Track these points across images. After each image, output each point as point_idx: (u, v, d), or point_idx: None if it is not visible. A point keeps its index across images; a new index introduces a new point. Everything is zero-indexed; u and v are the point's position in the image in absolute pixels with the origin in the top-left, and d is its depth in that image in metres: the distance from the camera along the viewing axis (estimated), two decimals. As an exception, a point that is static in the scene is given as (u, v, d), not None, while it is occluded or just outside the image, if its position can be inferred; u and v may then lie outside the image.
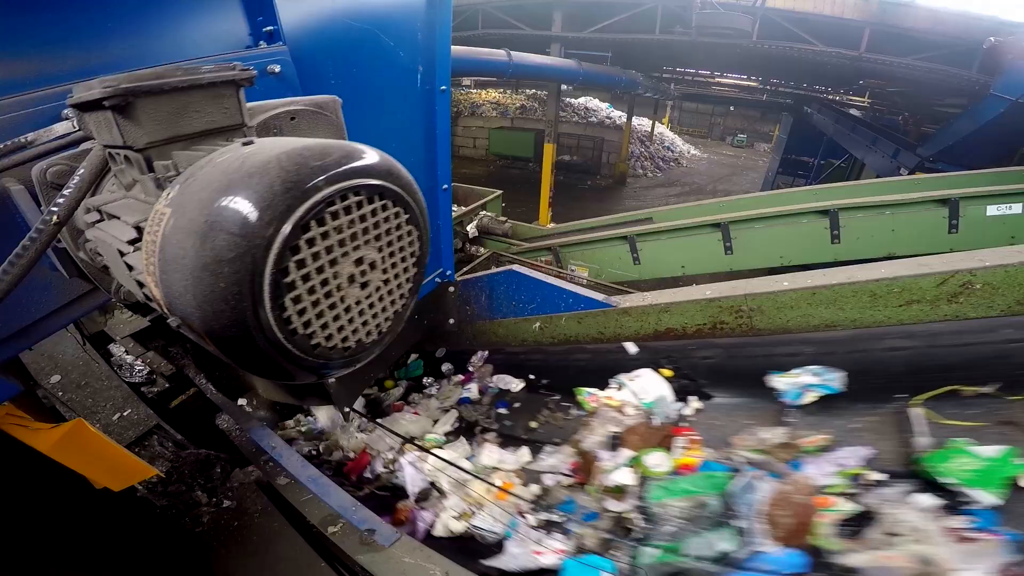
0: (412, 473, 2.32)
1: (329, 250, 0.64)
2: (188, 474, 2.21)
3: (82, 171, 0.84)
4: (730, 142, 26.19)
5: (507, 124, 20.65)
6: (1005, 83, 6.81)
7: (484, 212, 7.49)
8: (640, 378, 2.42)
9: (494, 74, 9.39)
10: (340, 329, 0.69)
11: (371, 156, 0.69)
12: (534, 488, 2.26)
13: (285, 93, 1.55)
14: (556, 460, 2.37)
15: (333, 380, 2.23)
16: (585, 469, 2.17)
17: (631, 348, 2.57)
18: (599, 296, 2.75)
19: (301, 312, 0.63)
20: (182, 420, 2.65)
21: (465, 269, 6.44)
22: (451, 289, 2.83)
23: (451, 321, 2.96)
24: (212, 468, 2.27)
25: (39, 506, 1.70)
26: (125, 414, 2.53)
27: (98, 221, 0.89)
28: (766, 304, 2.15)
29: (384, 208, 0.70)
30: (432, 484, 2.30)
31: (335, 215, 0.63)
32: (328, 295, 0.66)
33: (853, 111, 13.05)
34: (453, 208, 7.74)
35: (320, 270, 0.64)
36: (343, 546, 1.69)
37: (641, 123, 22.89)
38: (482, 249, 7.31)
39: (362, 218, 0.68)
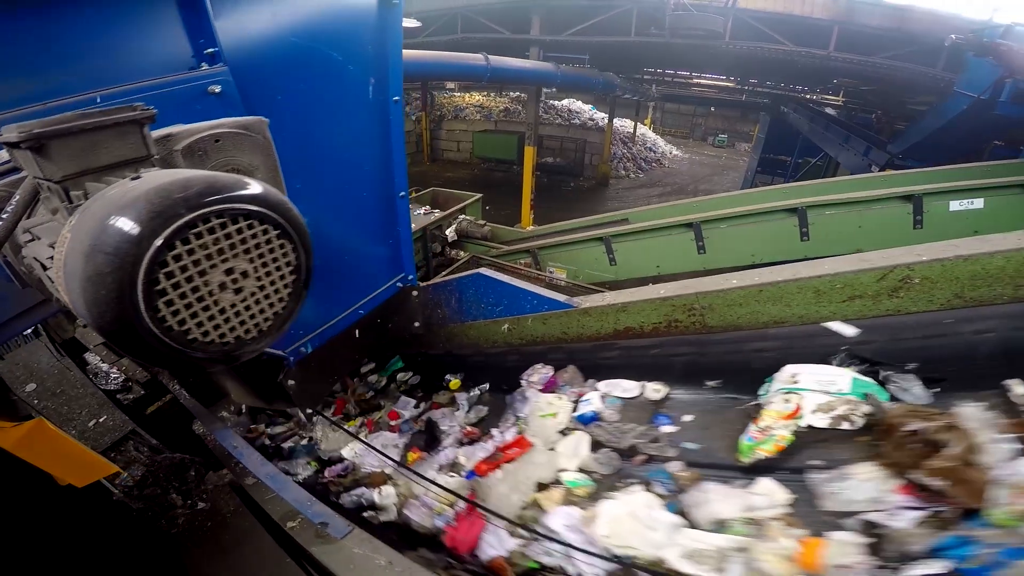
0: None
1: (196, 263, 0.78)
2: (163, 477, 2.25)
3: (17, 197, 0.98)
4: (711, 142, 26.48)
5: (491, 127, 20.72)
6: (968, 80, 6.98)
7: (463, 216, 7.49)
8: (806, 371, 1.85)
9: (472, 78, 9.43)
10: (216, 327, 0.83)
11: (236, 184, 0.82)
12: (844, 536, 1.40)
13: (227, 111, 1.58)
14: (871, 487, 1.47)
15: (293, 382, 2.24)
16: (964, 489, 1.33)
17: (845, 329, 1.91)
18: (561, 297, 2.77)
19: (175, 313, 0.77)
20: (159, 426, 2.68)
21: (445, 272, 6.45)
22: (414, 293, 2.83)
23: (416, 324, 2.96)
24: (187, 471, 2.32)
25: (20, 511, 1.80)
26: (101, 420, 2.56)
27: (30, 241, 1.05)
28: (716, 302, 2.18)
29: (250, 227, 0.83)
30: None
31: (199, 235, 0.77)
32: (200, 299, 0.80)
33: (829, 110, 13.27)
34: (434, 212, 7.75)
35: (189, 279, 0.78)
36: (300, 540, 1.73)
37: (624, 124, 23.03)
38: (462, 253, 7.32)
39: (227, 236, 0.80)
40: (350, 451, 2.71)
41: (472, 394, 2.97)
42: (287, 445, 2.84)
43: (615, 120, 22.11)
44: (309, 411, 2.57)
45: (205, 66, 1.60)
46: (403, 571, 1.52)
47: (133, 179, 0.82)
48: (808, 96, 13.98)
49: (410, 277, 2.75)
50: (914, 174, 5.68)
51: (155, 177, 0.79)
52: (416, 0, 14.31)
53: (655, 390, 2.30)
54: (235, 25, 1.70)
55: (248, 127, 1.26)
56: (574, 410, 2.34)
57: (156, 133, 1.10)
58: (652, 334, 2.44)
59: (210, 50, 1.60)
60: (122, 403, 2.80)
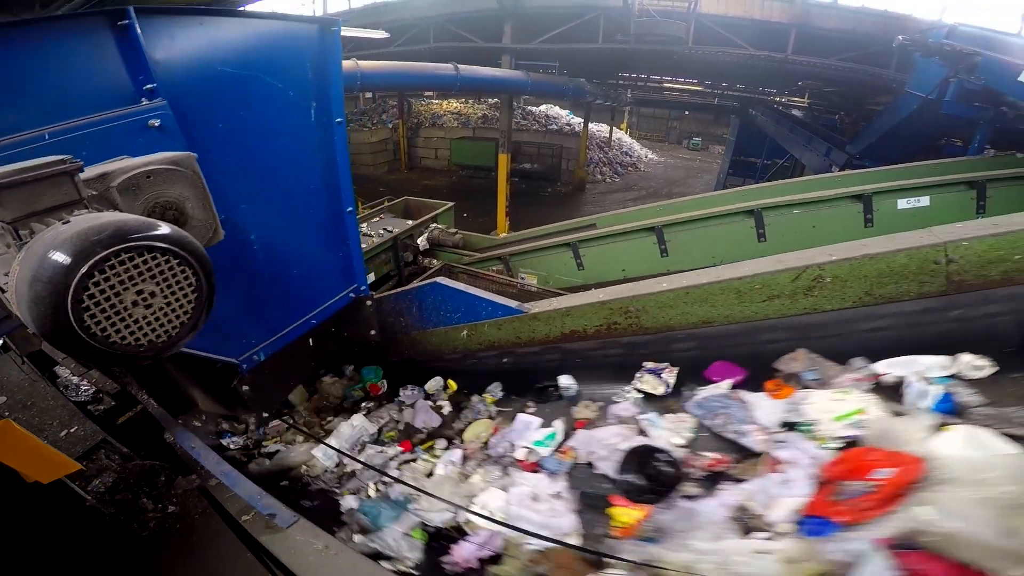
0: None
1: (112, 287, 1.01)
2: (134, 483, 2.32)
3: None
4: (686, 145, 26.97)
5: (469, 134, 20.82)
6: (917, 80, 7.25)
7: (435, 224, 7.55)
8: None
9: (442, 88, 9.54)
10: (132, 333, 1.07)
11: (143, 226, 1.04)
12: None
13: (168, 143, 1.68)
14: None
15: (247, 388, 2.33)
16: None
17: None
18: (513, 304, 2.85)
19: (98, 323, 1.01)
20: (130, 436, 2.75)
21: (416, 280, 6.49)
22: (368, 303, 2.90)
23: (372, 332, 3.02)
24: (157, 477, 2.38)
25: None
26: (72, 430, 2.60)
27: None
28: (649, 304, 2.28)
29: (154, 259, 1.06)
30: None
31: (112, 267, 1.00)
32: (117, 313, 1.04)
33: (795, 111, 13.64)
34: (407, 221, 7.80)
35: (107, 299, 1.01)
36: (252, 531, 1.82)
37: (600, 129, 23.35)
38: (435, 261, 7.36)
39: (135, 266, 1.04)
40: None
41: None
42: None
43: (592, 125, 22.41)
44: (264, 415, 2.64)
45: (145, 101, 1.72)
46: (337, 553, 1.63)
47: (64, 223, 1.04)
48: (776, 99, 14.37)
49: (363, 288, 2.82)
50: (864, 174, 5.90)
51: (80, 221, 1.02)
52: (389, 10, 14.43)
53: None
54: (171, 60, 1.81)
55: (177, 162, 1.42)
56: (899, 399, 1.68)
57: (94, 171, 1.28)
58: (595, 336, 2.54)
59: (148, 86, 1.72)
60: (93, 414, 2.86)
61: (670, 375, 2.19)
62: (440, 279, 3.32)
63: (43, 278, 0.94)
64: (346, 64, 8.22)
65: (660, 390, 2.17)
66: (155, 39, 1.75)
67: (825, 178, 6.02)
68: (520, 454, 2.16)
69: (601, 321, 2.48)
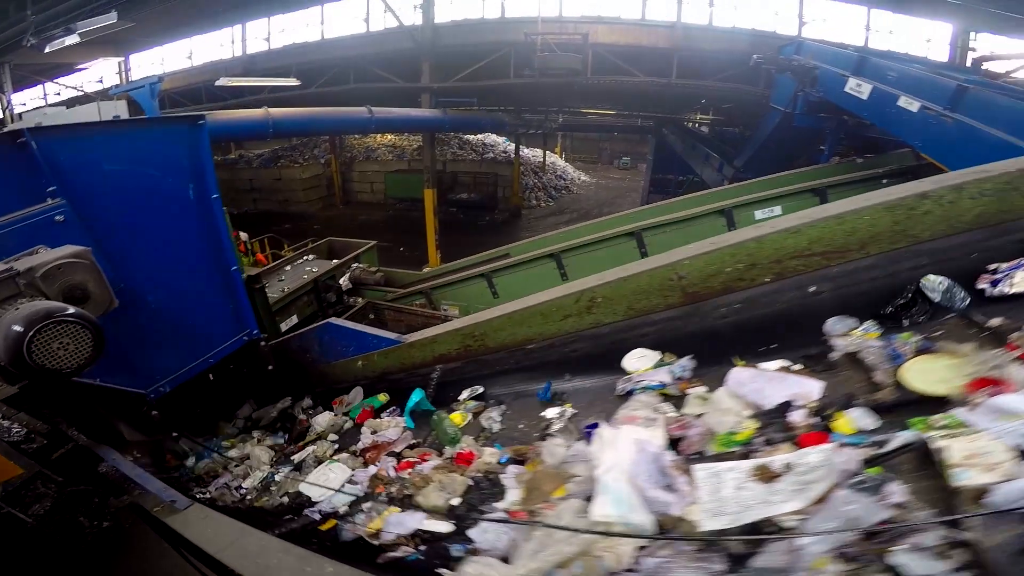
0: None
1: (46, 341, 1.73)
2: (71, 506, 2.62)
3: None
4: (616, 165, 28.65)
5: (404, 167, 21.21)
6: (777, 95, 8.32)
7: (356, 264, 7.96)
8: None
9: (357, 131, 10.11)
10: (59, 364, 1.77)
11: (59, 309, 1.77)
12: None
13: (72, 235, 2.28)
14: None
15: (156, 413, 2.92)
16: None
17: None
18: (392, 335, 3.41)
19: (39, 359, 1.72)
20: (65, 470, 3.04)
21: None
22: (262, 343, 3.37)
23: (269, 368, 3.50)
24: (91, 499, 2.69)
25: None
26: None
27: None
28: (488, 329, 2.87)
29: (66, 325, 1.77)
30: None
31: (44, 330, 1.72)
32: (49, 353, 1.74)
33: (703, 128, 15.03)
34: (332, 262, 8.18)
35: (43, 346, 1.73)
36: (160, 517, 2.26)
37: (535, 154, 24.49)
38: (360, 300, 7.75)
39: (57, 330, 1.76)
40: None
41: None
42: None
43: (527, 151, 23.51)
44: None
45: (49, 200, 2.26)
46: (215, 521, 2.20)
47: (15, 309, 1.77)
48: (687, 117, 15.76)
49: (254, 332, 3.32)
50: (727, 189, 6.85)
51: (25, 308, 1.76)
52: (309, 51, 14.96)
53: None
54: (65, 165, 2.35)
55: (79, 255, 2.06)
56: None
57: (24, 264, 1.89)
58: (457, 358, 3.11)
59: (50, 188, 2.27)
60: (27, 452, 3.11)
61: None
62: (332, 320, 3.84)
63: (9, 338, 1.70)
64: (256, 113, 8.71)
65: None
66: (49, 150, 2.29)
67: (693, 197, 6.90)
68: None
69: (459, 344, 3.04)
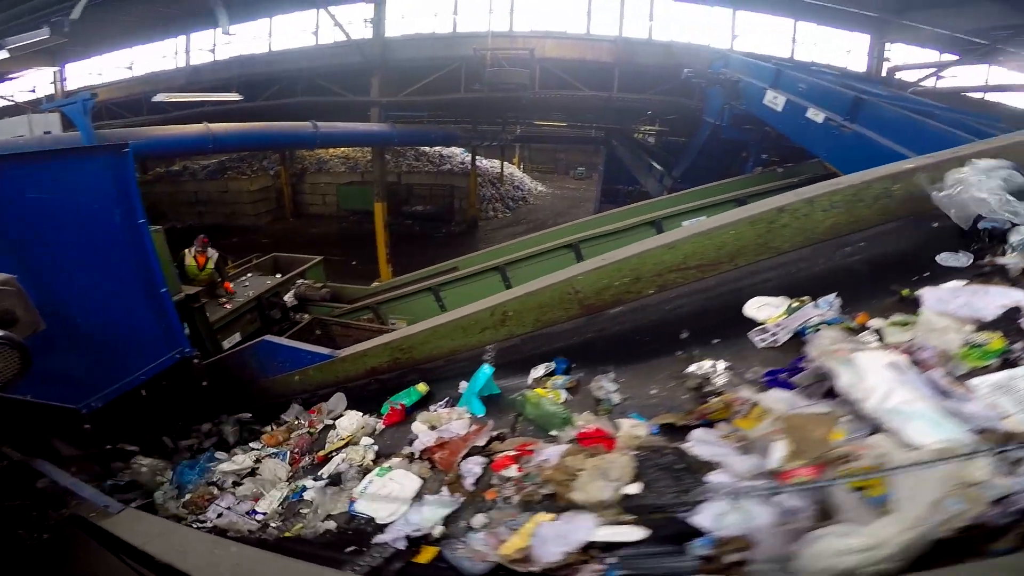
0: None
1: None
2: (9, 520, 2.64)
3: None
4: (572, 175, 29.43)
5: (357, 178, 21.03)
6: (708, 108, 8.85)
7: (302, 280, 8.00)
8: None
9: (302, 146, 10.17)
10: None
11: None
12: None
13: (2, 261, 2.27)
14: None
15: (89, 426, 2.96)
16: None
17: None
18: (325, 351, 3.59)
19: None
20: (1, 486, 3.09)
21: (284, 336, 6.92)
22: (195, 360, 3.49)
23: (204, 383, 3.61)
24: (30, 512, 2.72)
25: None
26: None
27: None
28: (413, 343, 3.10)
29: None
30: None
31: None
32: None
33: (650, 138, 15.72)
34: (276, 279, 8.19)
35: None
36: (96, 522, 2.33)
37: (493, 165, 24.85)
38: (306, 316, 7.80)
39: None
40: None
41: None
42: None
43: (485, 162, 23.81)
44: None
45: None
46: (143, 523, 2.27)
47: None
48: (634, 128, 16.44)
49: (187, 350, 3.44)
50: (659, 200, 7.32)
51: None
52: (255, 63, 14.86)
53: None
54: None
55: (4, 283, 2.19)
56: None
57: None
58: (387, 370, 3.31)
59: None
60: None
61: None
62: (268, 337, 3.98)
63: None
64: (196, 128, 8.68)
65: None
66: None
67: (624, 210, 7.34)
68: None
69: (388, 357, 3.24)
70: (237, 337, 6.79)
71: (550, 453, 1.90)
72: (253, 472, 2.98)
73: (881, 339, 1.88)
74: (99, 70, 17.07)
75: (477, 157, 20.99)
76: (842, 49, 12.70)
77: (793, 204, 2.51)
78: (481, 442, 2.22)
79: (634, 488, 1.59)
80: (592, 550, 1.41)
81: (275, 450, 3.15)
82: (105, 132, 7.89)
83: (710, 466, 1.58)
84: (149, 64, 16.49)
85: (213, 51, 15.70)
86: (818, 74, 7.79)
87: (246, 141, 8.91)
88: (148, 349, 3.29)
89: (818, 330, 2.00)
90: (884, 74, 11.76)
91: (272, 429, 3.52)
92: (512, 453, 2.05)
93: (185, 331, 3.81)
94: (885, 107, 5.53)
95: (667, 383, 2.26)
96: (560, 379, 2.52)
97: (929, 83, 11.71)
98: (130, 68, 16.82)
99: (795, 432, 1.51)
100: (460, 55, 12.47)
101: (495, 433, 2.29)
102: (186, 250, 7.07)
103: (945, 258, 2.18)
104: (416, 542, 1.77)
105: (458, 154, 22.99)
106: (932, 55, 11.88)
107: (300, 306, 7.92)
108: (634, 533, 1.41)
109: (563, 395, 2.41)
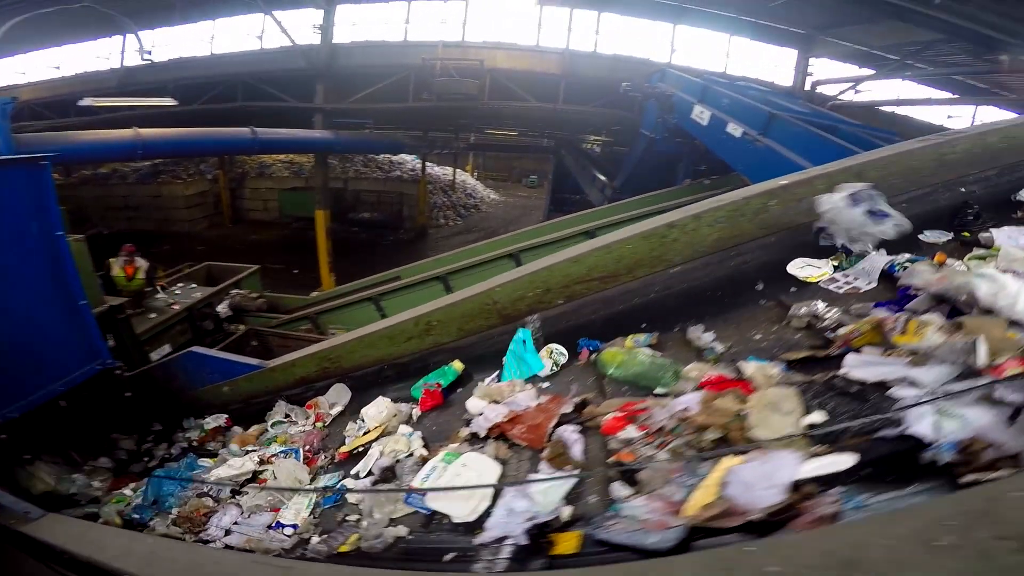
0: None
1: None
2: None
3: None
4: (524, 183, 29.98)
5: (301, 184, 20.63)
6: (645, 121, 9.30)
7: (236, 290, 7.89)
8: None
9: (239, 152, 10.02)
10: None
11: None
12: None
13: None
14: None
15: (5, 436, 2.92)
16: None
17: None
18: (255, 362, 3.67)
19: None
20: None
21: (218, 347, 6.82)
22: (117, 371, 3.50)
23: (127, 394, 3.61)
24: None
25: None
26: None
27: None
28: (341, 352, 3.24)
29: None
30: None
31: None
32: None
33: (596, 148, 16.32)
34: (209, 289, 8.03)
35: None
36: (19, 528, 2.35)
37: (445, 172, 24.94)
38: (241, 327, 7.68)
39: None
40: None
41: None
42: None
43: (437, 169, 23.86)
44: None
45: None
46: (64, 525, 2.34)
47: None
48: (582, 138, 17.02)
49: (108, 361, 3.44)
50: (594, 211, 7.71)
51: None
52: (197, 66, 14.43)
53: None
54: None
55: None
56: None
57: None
58: (316, 379, 3.43)
59: None
60: None
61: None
62: (196, 348, 4.01)
63: None
64: (124, 134, 8.42)
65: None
66: None
67: (565, 220, 7.70)
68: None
69: (317, 367, 3.37)
70: (167, 348, 6.65)
71: (687, 401, 1.74)
72: (254, 477, 2.68)
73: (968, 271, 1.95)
74: (23, 69, 16.14)
75: (429, 164, 21.04)
76: (772, 64, 13.60)
77: (682, 220, 2.76)
78: (567, 409, 2.06)
79: (817, 416, 1.49)
80: (804, 487, 1.25)
81: (284, 448, 2.84)
82: (27, 136, 7.54)
83: (884, 386, 1.51)
84: (80, 64, 15.69)
85: (150, 52, 15.12)
86: (744, 89, 8.21)
87: (179, 147, 8.71)
88: (67, 361, 3.28)
89: (905, 268, 2.11)
90: (807, 88, 12.67)
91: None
92: (619, 415, 1.88)
93: (109, 343, 3.79)
94: (793, 123, 5.96)
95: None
96: (642, 336, 2.43)
97: (848, 96, 12.71)
98: (58, 68, 15.98)
99: (977, 333, 1.50)
100: (407, 64, 12.60)
101: (578, 399, 2.12)
102: (112, 259, 6.86)
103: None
104: (540, 531, 1.48)
105: (408, 160, 22.86)
106: (852, 69, 12.91)
107: (236, 317, 7.81)
108: (844, 460, 1.28)
109: (648, 352, 2.27)
